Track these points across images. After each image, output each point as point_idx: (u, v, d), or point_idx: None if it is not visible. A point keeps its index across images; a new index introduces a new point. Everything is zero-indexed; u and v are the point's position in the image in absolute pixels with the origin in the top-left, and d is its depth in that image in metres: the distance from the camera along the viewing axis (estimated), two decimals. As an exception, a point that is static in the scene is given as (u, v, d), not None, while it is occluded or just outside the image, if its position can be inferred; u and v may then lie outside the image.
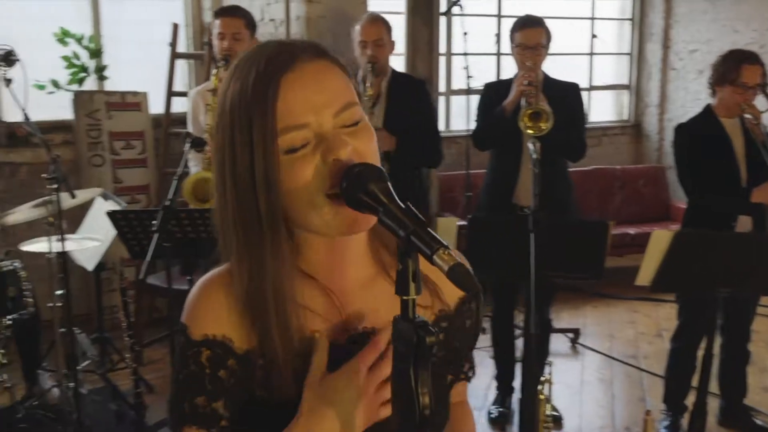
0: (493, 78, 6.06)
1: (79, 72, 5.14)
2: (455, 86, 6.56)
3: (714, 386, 3.69)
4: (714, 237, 3.17)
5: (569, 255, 3.29)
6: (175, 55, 5.35)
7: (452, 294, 1.18)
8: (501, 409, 4.06)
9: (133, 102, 5.21)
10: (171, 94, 5.35)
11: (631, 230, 6.22)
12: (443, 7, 6.07)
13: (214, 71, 3.79)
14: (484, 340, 4.78)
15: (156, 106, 5.36)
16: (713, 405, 3.79)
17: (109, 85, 5.40)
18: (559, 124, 3.58)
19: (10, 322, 3.57)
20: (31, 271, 3.80)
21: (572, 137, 3.80)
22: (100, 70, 5.25)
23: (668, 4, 7.15)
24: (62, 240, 3.43)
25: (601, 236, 3.20)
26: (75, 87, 5.15)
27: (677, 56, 7.16)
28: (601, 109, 7.54)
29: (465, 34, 5.71)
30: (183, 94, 5.26)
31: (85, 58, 5.16)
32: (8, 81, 3.61)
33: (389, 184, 0.96)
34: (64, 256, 3.51)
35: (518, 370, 4.04)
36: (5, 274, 3.56)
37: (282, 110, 0.98)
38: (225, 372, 1.06)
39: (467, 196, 5.65)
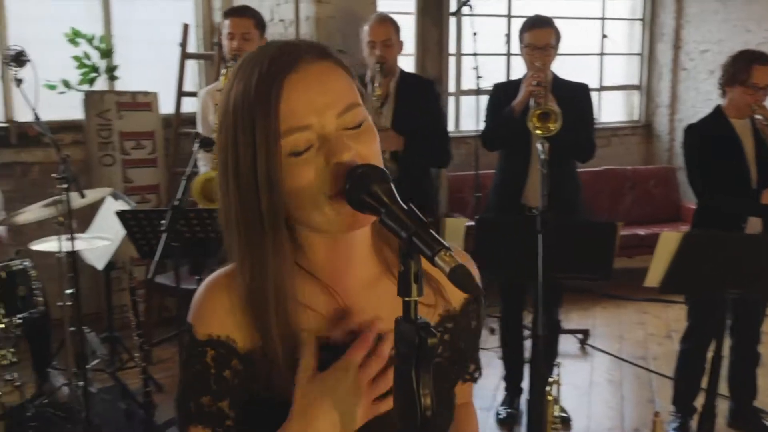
0: (502, 78, 6.06)
1: (89, 72, 5.16)
2: (465, 86, 6.56)
3: (723, 388, 3.68)
4: (723, 238, 3.16)
5: (577, 256, 3.28)
6: (185, 56, 5.37)
7: (457, 294, 1.17)
8: (509, 410, 4.05)
9: (143, 102, 5.23)
10: (181, 94, 5.37)
11: (641, 231, 6.20)
12: (453, 8, 6.07)
13: (223, 71, 3.80)
14: (493, 341, 4.78)
15: (166, 106, 5.38)
16: (723, 407, 3.78)
17: (120, 85, 5.43)
18: (568, 124, 3.57)
19: (20, 320, 3.59)
20: (41, 271, 3.82)
21: (581, 138, 3.79)
22: (110, 70, 5.27)
23: (679, 4, 7.12)
24: (72, 239, 3.44)
25: (609, 237, 3.20)
26: (86, 87, 5.17)
27: (688, 56, 7.13)
28: (612, 110, 7.52)
29: (474, 34, 5.70)
30: (193, 94, 5.28)
31: (95, 58, 5.19)
32: (19, 81, 3.64)
33: (392, 185, 0.96)
34: (73, 255, 3.53)
35: (527, 371, 4.04)
36: (15, 273, 3.59)
37: (285, 112, 0.99)
38: (230, 372, 1.07)
39: (476, 196, 5.65)
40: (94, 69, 5.18)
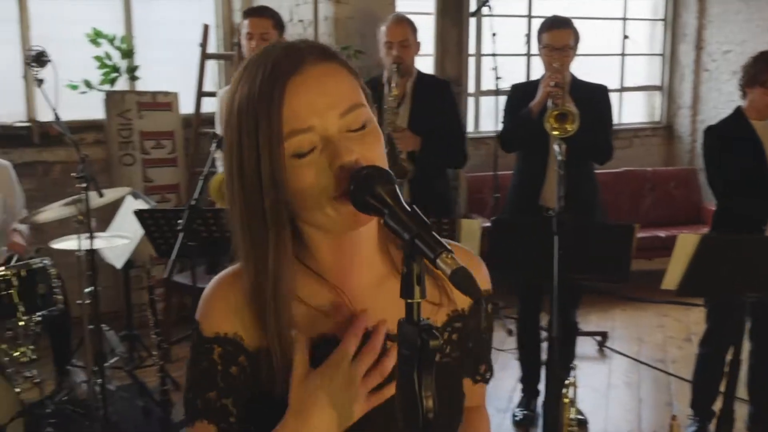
0: (523, 79, 6.04)
1: (111, 72, 5.21)
2: (484, 87, 6.55)
3: (743, 392, 3.65)
4: (742, 241, 3.13)
5: (594, 257, 3.26)
6: (205, 56, 5.41)
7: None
8: (525, 412, 4.04)
9: (163, 102, 5.27)
10: (201, 94, 5.41)
11: (662, 233, 6.15)
12: (472, 8, 6.05)
13: (242, 72, 3.81)
14: (511, 343, 4.77)
15: (186, 106, 5.42)
16: (742, 411, 3.74)
17: (141, 86, 5.47)
18: (585, 125, 3.55)
19: (40, 318, 3.62)
20: (61, 269, 3.85)
21: (599, 139, 3.77)
22: (131, 70, 5.31)
23: (701, 5, 7.06)
24: (91, 238, 3.48)
25: (626, 239, 3.17)
26: (107, 87, 5.22)
27: (710, 57, 7.07)
28: (633, 111, 7.47)
29: (494, 34, 5.69)
30: (213, 95, 5.32)
31: (117, 58, 5.23)
32: (40, 81, 3.68)
33: (396, 186, 0.96)
34: (92, 254, 3.56)
35: (544, 372, 4.02)
36: (35, 271, 3.62)
37: (287, 114, 0.99)
38: (236, 369, 1.09)
39: (495, 197, 5.64)
40: (115, 69, 5.22)
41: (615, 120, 4.21)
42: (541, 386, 4.04)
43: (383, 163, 1.03)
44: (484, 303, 1.23)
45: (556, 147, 3.32)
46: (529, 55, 6.66)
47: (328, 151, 0.99)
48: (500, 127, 4.11)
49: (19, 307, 3.50)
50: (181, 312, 5.29)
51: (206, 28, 5.39)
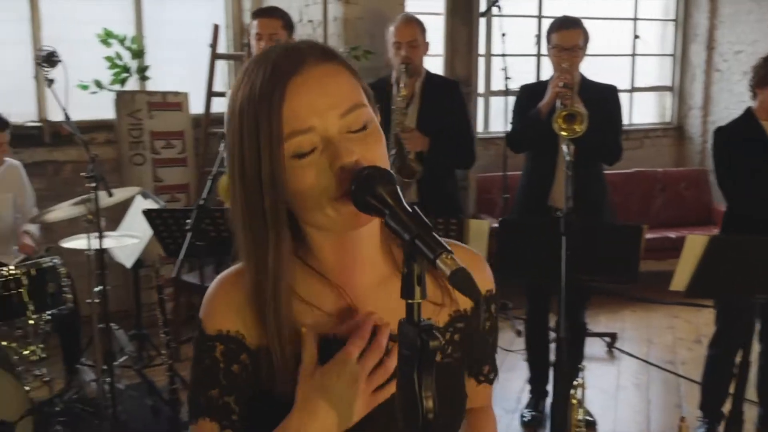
0: (533, 79, 6.03)
1: (121, 72, 5.23)
2: (494, 87, 6.54)
3: (753, 394, 3.63)
4: (750, 242, 3.10)
5: (602, 258, 3.25)
6: (215, 56, 5.42)
7: None
8: (534, 413, 4.03)
9: (173, 102, 5.29)
10: (211, 94, 5.42)
11: (672, 234, 6.13)
12: (482, 8, 6.05)
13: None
14: (519, 343, 4.76)
15: (196, 106, 5.43)
16: (751, 413, 3.72)
17: (151, 86, 5.50)
18: (594, 126, 3.54)
19: (50, 317, 3.64)
20: (71, 268, 3.88)
21: (608, 140, 3.76)
22: (142, 70, 5.34)
23: (713, 5, 7.03)
24: (100, 237, 3.49)
25: (634, 240, 3.16)
26: (117, 87, 5.24)
27: (722, 57, 7.04)
28: (643, 111, 7.45)
29: (503, 35, 5.69)
30: (223, 95, 5.33)
31: (127, 58, 5.25)
32: (50, 81, 3.70)
33: (398, 187, 0.96)
34: (102, 253, 3.58)
35: (552, 373, 4.01)
36: (45, 270, 3.64)
37: (288, 115, 0.99)
38: (238, 367, 1.09)
39: (504, 197, 5.63)
40: (126, 69, 5.25)
41: (625, 121, 4.20)
42: (550, 387, 4.04)
43: (384, 163, 1.03)
44: (487, 303, 1.23)
45: (564, 147, 3.31)
46: (539, 55, 6.65)
47: (328, 152, 1.00)
48: (509, 127, 4.11)
49: (29, 306, 3.52)
50: (189, 311, 5.30)
51: (216, 28, 5.41)
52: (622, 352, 5.05)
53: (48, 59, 3.71)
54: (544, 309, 4.06)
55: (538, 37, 6.55)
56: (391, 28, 3.87)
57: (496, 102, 6.52)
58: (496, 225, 3.36)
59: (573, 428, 3.18)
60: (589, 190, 3.64)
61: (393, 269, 1.14)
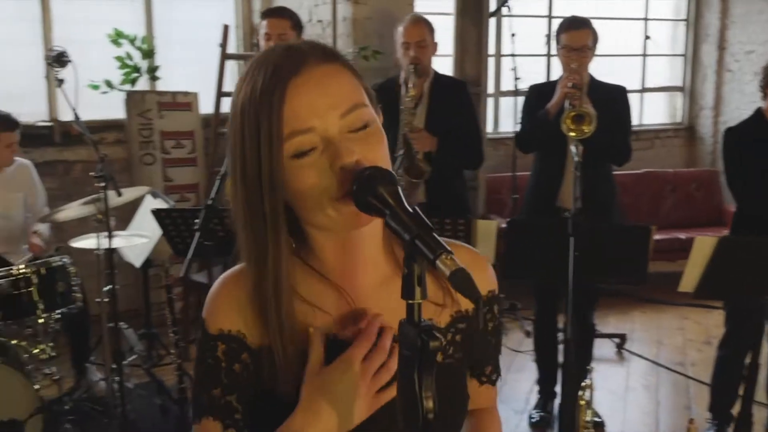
0: (543, 79, 6.01)
1: (131, 72, 5.25)
2: (504, 88, 6.53)
3: (762, 395, 3.61)
4: (759, 243, 3.09)
5: (611, 259, 3.25)
6: (225, 56, 5.43)
7: None
8: (542, 414, 4.03)
9: (183, 102, 5.30)
10: (221, 94, 5.43)
11: (682, 235, 6.10)
12: (492, 8, 6.03)
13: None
14: (528, 344, 4.76)
15: (206, 106, 5.45)
16: (761, 415, 3.71)
17: (161, 86, 5.52)
18: (603, 127, 3.53)
19: (59, 316, 3.66)
20: (80, 267, 3.89)
21: (617, 141, 3.75)
22: (152, 70, 5.35)
23: (724, 5, 7.00)
24: (110, 237, 3.51)
25: (643, 241, 3.15)
26: (128, 87, 5.26)
27: (733, 58, 7.01)
28: (654, 112, 7.42)
29: (513, 35, 5.68)
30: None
31: (137, 58, 5.27)
32: (60, 81, 3.71)
33: (399, 187, 0.97)
34: (111, 252, 3.59)
35: (561, 374, 4.01)
36: (55, 269, 3.65)
37: (288, 115, 1.00)
38: (239, 366, 1.10)
39: (514, 198, 5.63)
40: (136, 69, 5.26)
41: (636, 121, 4.19)
42: (558, 388, 4.03)
43: (385, 163, 1.03)
44: (489, 304, 1.23)
45: (573, 148, 3.31)
46: (549, 55, 6.64)
47: (329, 152, 1.00)
48: (518, 127, 4.10)
49: (38, 305, 3.54)
50: (198, 311, 5.26)
51: (226, 28, 5.42)
52: (632, 353, 5.03)
53: (58, 59, 3.72)
54: (552, 310, 4.05)
55: (548, 37, 6.54)
56: (400, 29, 3.87)
57: (506, 102, 6.51)
58: (504, 225, 3.36)
59: (581, 429, 3.17)
60: (597, 191, 3.63)
61: (395, 269, 1.14)
